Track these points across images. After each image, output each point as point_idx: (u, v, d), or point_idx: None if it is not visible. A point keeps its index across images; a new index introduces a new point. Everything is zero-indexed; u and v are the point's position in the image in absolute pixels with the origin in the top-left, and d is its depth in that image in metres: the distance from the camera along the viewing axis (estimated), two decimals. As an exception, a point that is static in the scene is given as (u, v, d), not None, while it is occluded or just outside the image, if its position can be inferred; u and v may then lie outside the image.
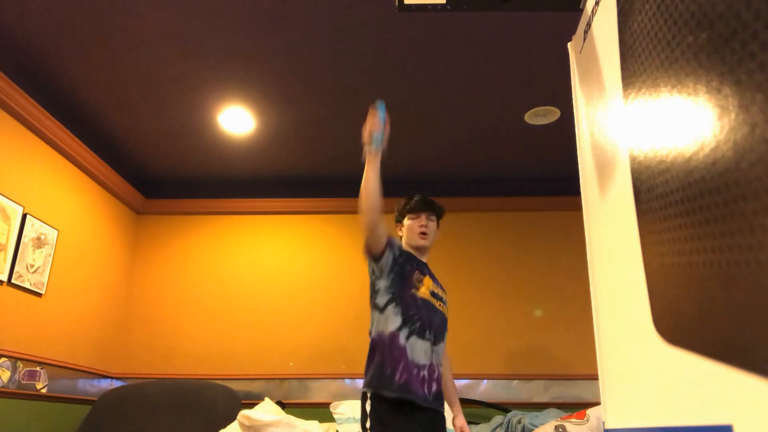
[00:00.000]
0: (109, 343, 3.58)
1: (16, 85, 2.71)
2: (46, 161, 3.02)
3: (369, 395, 1.97)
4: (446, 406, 2.17)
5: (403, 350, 1.96)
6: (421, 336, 2.01)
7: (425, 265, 2.21)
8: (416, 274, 2.10)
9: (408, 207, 2.24)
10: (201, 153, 3.62)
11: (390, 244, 2.07)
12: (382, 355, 1.98)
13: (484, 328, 3.62)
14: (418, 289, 2.08)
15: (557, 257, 3.75)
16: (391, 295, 2.05)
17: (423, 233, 2.19)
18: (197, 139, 3.45)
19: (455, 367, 3.54)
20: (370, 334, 2.08)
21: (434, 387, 2.01)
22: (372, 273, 2.12)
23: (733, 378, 0.51)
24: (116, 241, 3.69)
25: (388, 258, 2.06)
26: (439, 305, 2.14)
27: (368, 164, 1.95)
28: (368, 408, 1.96)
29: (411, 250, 2.22)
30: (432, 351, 2.03)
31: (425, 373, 1.98)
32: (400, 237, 2.27)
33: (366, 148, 1.96)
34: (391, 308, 2.03)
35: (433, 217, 2.26)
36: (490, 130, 3.34)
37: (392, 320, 2.00)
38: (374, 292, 2.11)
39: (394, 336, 1.98)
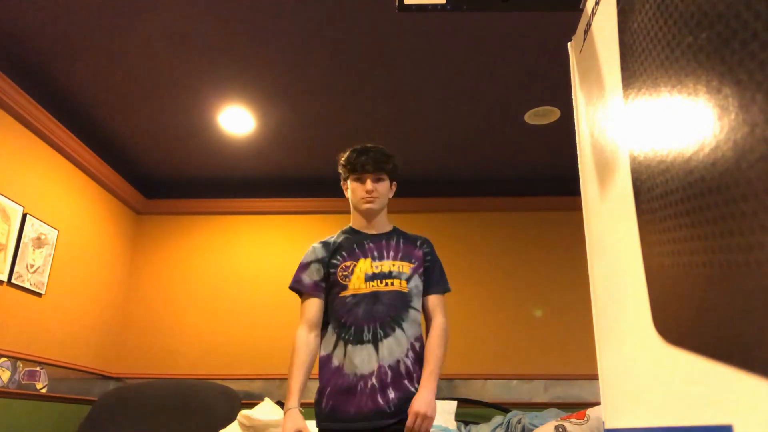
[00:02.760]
0: (109, 343, 3.57)
1: (16, 85, 2.71)
2: (46, 161, 3.02)
3: None
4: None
5: (335, 371, 1.71)
6: (358, 341, 1.70)
7: (365, 237, 1.86)
8: (340, 270, 1.79)
9: (349, 166, 1.85)
10: (201, 153, 3.62)
11: (316, 288, 1.81)
12: (319, 381, 1.77)
13: (484, 328, 3.62)
14: (346, 286, 1.76)
15: (557, 257, 3.75)
16: (326, 315, 1.81)
17: (369, 199, 1.84)
18: (197, 139, 3.45)
19: (458, 367, 3.57)
20: None
21: (392, 394, 1.66)
22: None
23: (733, 378, 0.51)
24: (116, 241, 3.69)
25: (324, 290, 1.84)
26: (384, 285, 1.75)
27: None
28: None
29: (356, 215, 1.90)
30: (377, 351, 1.69)
31: (373, 381, 1.66)
32: (347, 197, 1.92)
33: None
34: (328, 329, 1.79)
35: (383, 176, 1.85)
36: (490, 130, 3.34)
37: (327, 341, 1.77)
38: None
39: (328, 358, 1.75)
